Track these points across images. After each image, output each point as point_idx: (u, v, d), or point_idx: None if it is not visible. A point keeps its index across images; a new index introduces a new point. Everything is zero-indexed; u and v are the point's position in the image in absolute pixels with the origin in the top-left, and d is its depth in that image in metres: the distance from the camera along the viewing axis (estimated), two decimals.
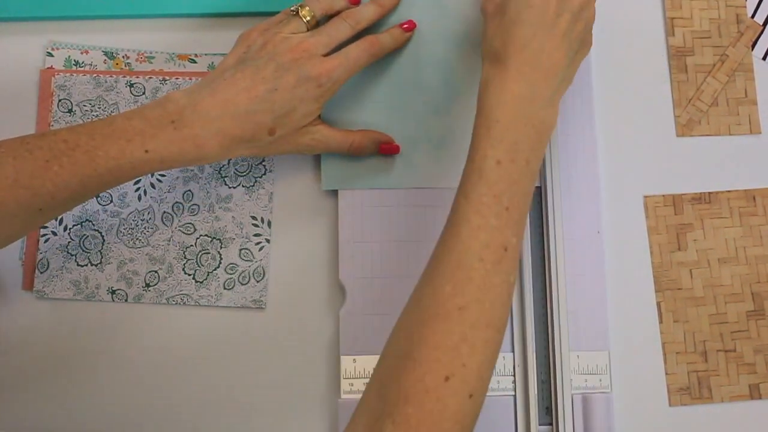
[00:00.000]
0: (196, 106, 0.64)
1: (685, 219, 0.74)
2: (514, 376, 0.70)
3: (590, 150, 0.73)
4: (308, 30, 0.68)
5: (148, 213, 0.74)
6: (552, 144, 0.72)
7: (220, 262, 0.73)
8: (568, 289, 0.71)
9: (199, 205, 0.74)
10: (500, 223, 0.58)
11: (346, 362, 0.70)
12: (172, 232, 0.73)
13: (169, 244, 0.73)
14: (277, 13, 0.70)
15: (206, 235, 0.73)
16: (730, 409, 0.72)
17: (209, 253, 0.73)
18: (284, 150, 0.68)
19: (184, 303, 0.72)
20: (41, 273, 0.73)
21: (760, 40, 0.76)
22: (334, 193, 0.73)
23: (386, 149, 0.72)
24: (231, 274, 0.73)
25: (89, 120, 0.74)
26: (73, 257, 0.73)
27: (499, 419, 0.70)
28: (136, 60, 0.76)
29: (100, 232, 0.73)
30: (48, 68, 0.75)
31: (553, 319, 0.70)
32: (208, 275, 0.73)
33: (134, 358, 0.72)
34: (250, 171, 0.74)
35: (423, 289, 0.58)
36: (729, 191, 0.74)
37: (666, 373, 0.72)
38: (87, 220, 0.73)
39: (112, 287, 0.73)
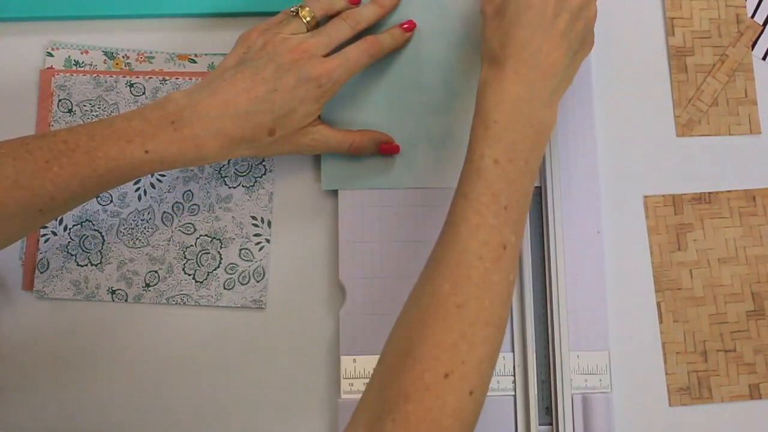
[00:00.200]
0: (196, 107, 0.64)
1: (685, 219, 0.74)
2: (514, 376, 0.70)
3: (590, 150, 0.73)
4: (308, 30, 0.68)
5: (148, 213, 0.74)
6: (552, 144, 0.72)
7: (220, 262, 0.73)
8: (568, 289, 0.71)
9: (199, 205, 0.74)
10: (499, 222, 0.59)
11: (346, 362, 0.70)
12: (172, 232, 0.73)
13: (169, 244, 0.73)
14: (277, 13, 0.70)
15: (206, 235, 0.73)
16: (730, 409, 0.72)
17: (209, 253, 0.73)
18: (284, 150, 0.68)
19: (184, 303, 0.72)
20: (41, 273, 0.73)
21: (760, 40, 0.76)
22: (334, 193, 0.73)
23: (386, 149, 0.72)
24: (231, 274, 0.73)
25: (89, 120, 0.74)
26: (73, 257, 0.73)
27: (499, 419, 0.70)
28: (136, 60, 0.76)
29: (100, 232, 0.73)
30: (48, 68, 0.75)
31: (553, 319, 0.70)
32: (208, 275, 0.73)
33: (134, 358, 0.72)
34: (250, 171, 0.74)
35: (422, 289, 0.58)
36: (729, 191, 0.74)
37: (666, 373, 0.72)
38: (87, 220, 0.73)
39: (112, 287, 0.73)
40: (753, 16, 0.77)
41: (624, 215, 0.74)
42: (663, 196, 0.74)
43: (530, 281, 0.71)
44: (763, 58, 0.76)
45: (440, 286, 0.57)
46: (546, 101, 0.62)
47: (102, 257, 0.73)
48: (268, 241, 0.73)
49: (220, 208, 0.74)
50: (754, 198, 0.74)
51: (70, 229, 0.73)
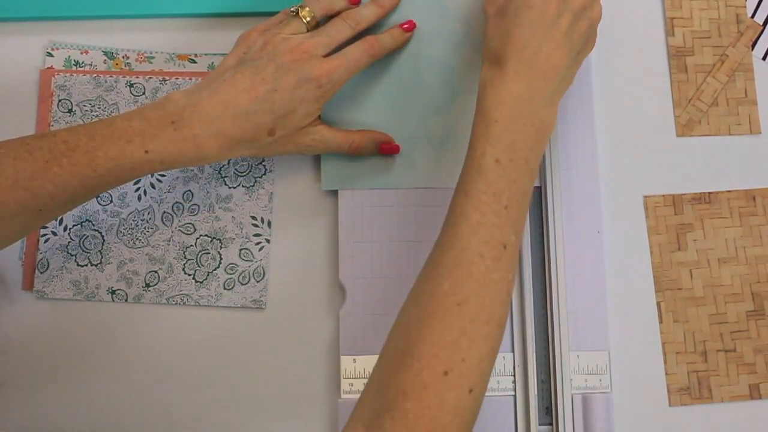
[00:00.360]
0: (196, 107, 0.64)
1: (685, 219, 0.74)
2: (514, 376, 0.70)
3: (590, 150, 0.73)
4: (308, 31, 0.68)
5: (148, 213, 0.74)
6: (552, 144, 0.72)
7: (220, 262, 0.73)
8: (568, 289, 0.71)
9: (199, 205, 0.74)
10: (500, 221, 0.59)
11: (346, 362, 0.70)
12: (172, 232, 0.73)
13: (169, 244, 0.73)
14: (277, 13, 0.70)
15: (206, 235, 0.73)
16: (730, 409, 0.72)
17: (209, 253, 0.73)
18: (284, 150, 0.68)
19: (184, 303, 0.72)
20: (41, 273, 0.73)
21: (760, 40, 0.76)
22: (334, 193, 0.73)
23: (386, 149, 0.72)
24: (231, 274, 0.73)
25: (89, 120, 0.74)
26: (73, 257, 0.73)
27: (499, 419, 0.70)
28: (136, 60, 0.76)
29: (100, 232, 0.73)
30: (48, 68, 0.75)
31: (553, 319, 0.70)
32: (208, 275, 0.73)
33: (134, 358, 0.72)
34: (250, 171, 0.74)
35: (421, 287, 0.58)
36: (729, 191, 0.74)
37: (666, 373, 0.72)
38: (87, 220, 0.73)
39: (112, 287, 0.73)
40: (753, 16, 0.77)
41: (624, 215, 0.74)
42: (663, 196, 0.74)
43: (530, 281, 0.71)
44: (763, 58, 0.76)
45: (439, 285, 0.57)
46: (547, 101, 0.62)
47: (102, 257, 0.73)
48: (268, 241, 0.73)
49: (220, 208, 0.74)
50: (754, 198, 0.74)
51: (70, 229, 0.73)
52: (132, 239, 0.73)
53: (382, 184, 0.72)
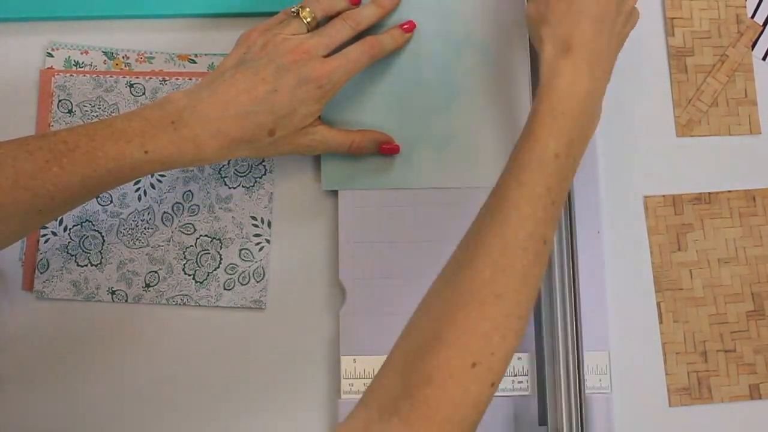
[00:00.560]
0: (196, 107, 0.64)
1: (685, 219, 0.74)
2: (515, 376, 0.70)
3: (590, 150, 0.73)
4: (308, 31, 0.68)
5: (148, 213, 0.74)
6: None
7: (220, 263, 0.73)
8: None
9: (199, 206, 0.74)
10: (546, 217, 0.58)
11: (346, 362, 0.70)
12: (172, 232, 0.73)
13: (169, 245, 0.73)
14: (277, 13, 0.70)
15: (206, 236, 0.73)
16: (730, 409, 0.72)
17: (209, 253, 0.73)
18: (284, 151, 0.68)
19: (184, 303, 0.72)
20: (41, 273, 0.73)
21: (760, 40, 0.76)
22: (334, 193, 0.73)
23: (386, 149, 0.72)
24: (231, 274, 0.73)
25: (89, 120, 0.74)
26: (73, 257, 0.73)
27: (499, 419, 0.70)
28: (136, 60, 0.76)
29: (100, 233, 0.73)
30: (48, 68, 0.75)
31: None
32: (208, 275, 0.73)
33: (134, 358, 0.72)
34: (250, 171, 0.74)
35: (458, 271, 0.56)
36: (729, 191, 0.74)
37: (666, 373, 0.72)
38: (87, 220, 0.73)
39: (112, 287, 0.73)
40: (753, 16, 0.77)
41: (624, 215, 0.74)
42: (663, 196, 0.74)
43: None
44: (763, 59, 0.76)
45: (480, 272, 0.55)
46: (600, 100, 0.62)
47: (102, 257, 0.73)
48: (268, 241, 0.73)
49: (220, 208, 0.74)
50: (754, 198, 0.74)
51: (70, 229, 0.73)
52: (132, 239, 0.73)
53: (382, 184, 0.72)
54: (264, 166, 0.74)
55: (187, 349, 0.72)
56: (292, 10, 0.69)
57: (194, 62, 0.76)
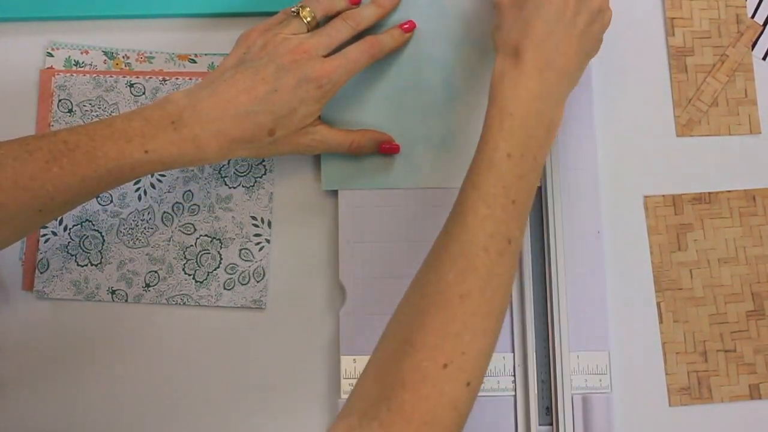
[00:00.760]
0: (196, 107, 0.64)
1: (685, 219, 0.74)
2: (514, 376, 0.70)
3: (590, 150, 0.73)
4: (308, 31, 0.68)
5: (148, 213, 0.74)
6: (552, 144, 0.72)
7: (220, 262, 0.73)
8: (568, 289, 0.71)
9: (199, 205, 0.74)
10: (506, 216, 0.59)
11: (346, 362, 0.70)
12: (172, 232, 0.73)
13: (169, 244, 0.73)
14: (277, 13, 0.70)
15: (206, 235, 0.73)
16: (730, 409, 0.72)
17: (209, 253, 0.73)
18: (284, 151, 0.68)
19: (184, 303, 0.72)
20: (41, 273, 0.73)
21: (760, 40, 0.76)
22: (334, 193, 0.73)
23: (386, 149, 0.72)
24: (231, 274, 0.73)
25: (89, 120, 0.74)
26: (73, 257, 0.73)
27: (499, 419, 0.70)
28: (136, 60, 0.76)
29: (100, 232, 0.73)
30: (48, 68, 0.75)
31: (553, 319, 0.70)
32: (208, 275, 0.73)
33: (134, 358, 0.72)
34: (250, 171, 0.74)
35: (425, 277, 0.58)
36: (729, 191, 0.74)
37: (666, 373, 0.72)
38: (87, 220, 0.73)
39: (112, 287, 0.73)
40: (753, 16, 0.77)
41: (624, 215, 0.74)
42: (663, 196, 0.74)
43: (530, 281, 0.71)
44: (763, 58, 0.76)
45: (444, 275, 0.57)
46: (558, 99, 0.62)
47: (102, 257, 0.73)
48: (268, 241, 0.73)
49: (220, 208, 0.74)
50: (754, 198, 0.74)
51: (70, 229, 0.73)
52: (132, 239, 0.73)
53: (382, 184, 0.72)
54: (264, 166, 0.74)
55: (187, 349, 0.72)
56: (292, 9, 0.69)
57: (194, 62, 0.76)
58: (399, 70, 0.73)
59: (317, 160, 0.74)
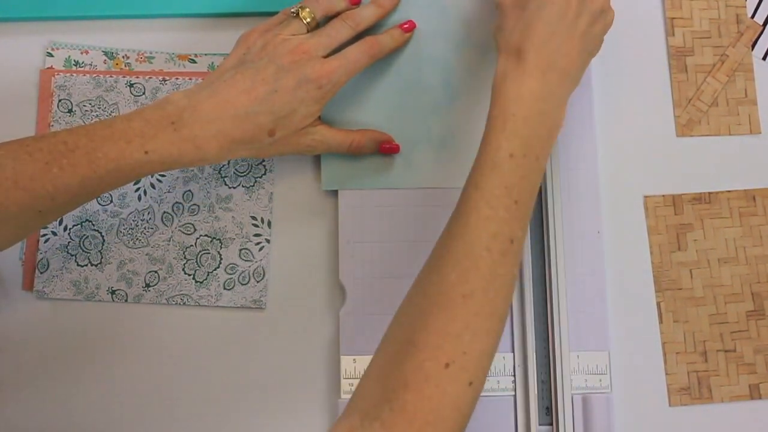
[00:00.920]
0: (196, 108, 0.64)
1: (685, 219, 0.74)
2: (514, 376, 0.70)
3: (590, 150, 0.73)
4: (308, 31, 0.68)
5: (148, 213, 0.74)
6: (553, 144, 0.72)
7: (220, 262, 0.73)
8: (568, 289, 0.71)
9: (199, 205, 0.74)
10: (509, 216, 0.59)
11: (346, 362, 0.70)
12: (172, 232, 0.73)
13: (169, 244, 0.73)
14: (277, 13, 0.70)
15: (206, 235, 0.73)
16: (730, 409, 0.72)
17: (209, 253, 0.73)
18: (284, 151, 0.68)
19: (184, 303, 0.73)
20: (41, 273, 0.73)
21: (760, 40, 0.76)
22: (334, 193, 0.73)
23: (386, 149, 0.72)
24: (231, 274, 0.73)
25: (89, 120, 0.74)
26: (73, 257, 0.73)
27: (499, 419, 0.70)
28: (136, 60, 0.76)
29: (100, 232, 0.73)
30: (48, 68, 0.75)
31: (553, 319, 0.70)
32: (208, 275, 0.73)
33: (134, 358, 0.72)
34: (250, 171, 0.74)
35: (427, 277, 0.58)
36: (729, 191, 0.74)
37: (666, 373, 0.72)
38: (87, 220, 0.73)
39: (112, 287, 0.73)
40: (753, 16, 0.77)
41: (624, 215, 0.74)
42: (663, 196, 0.74)
43: (530, 281, 0.71)
44: (763, 58, 0.76)
45: (446, 276, 0.57)
46: (560, 100, 0.63)
47: (102, 257, 0.73)
48: (268, 241, 0.73)
49: (220, 208, 0.74)
50: (754, 198, 0.74)
51: (70, 229, 0.73)
52: (132, 239, 0.73)
53: (382, 184, 0.72)
54: (264, 166, 0.74)
55: (187, 349, 0.72)
56: (292, 10, 0.69)
57: (194, 62, 0.76)
58: (399, 70, 0.73)
59: (317, 160, 0.74)
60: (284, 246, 0.74)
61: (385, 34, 0.71)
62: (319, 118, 0.69)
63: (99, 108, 0.74)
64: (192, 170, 0.74)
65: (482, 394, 0.57)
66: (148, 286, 0.73)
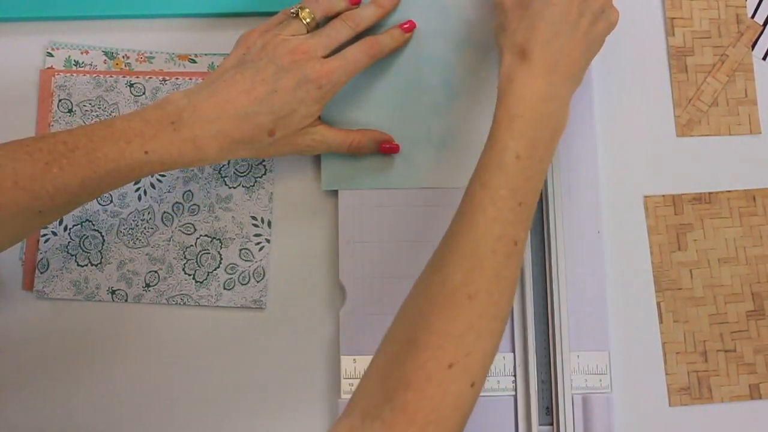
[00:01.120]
0: (196, 108, 0.64)
1: (685, 219, 0.74)
2: (515, 376, 0.70)
3: (590, 150, 0.73)
4: (308, 32, 0.68)
5: (148, 213, 0.74)
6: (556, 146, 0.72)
7: (220, 262, 0.73)
8: (568, 289, 0.71)
9: (199, 205, 0.74)
10: (514, 218, 0.59)
11: (346, 362, 0.70)
12: (172, 232, 0.73)
13: (169, 244, 0.73)
14: (277, 13, 0.70)
15: (206, 235, 0.73)
16: (730, 409, 0.72)
17: (209, 253, 0.73)
18: (284, 151, 0.68)
19: (184, 303, 0.73)
20: (41, 273, 0.73)
21: (760, 40, 0.76)
22: (334, 193, 0.73)
23: (386, 148, 0.72)
24: (231, 274, 0.73)
25: (89, 120, 0.74)
26: (73, 257, 0.73)
27: (500, 419, 0.70)
28: (136, 60, 0.76)
29: (100, 232, 0.73)
30: (48, 68, 0.75)
31: (554, 319, 0.70)
32: (208, 275, 0.73)
33: (134, 358, 0.72)
34: (250, 171, 0.74)
35: (430, 277, 0.58)
36: (729, 191, 0.74)
37: (666, 373, 0.72)
38: (87, 220, 0.73)
39: (112, 287, 0.73)
40: (753, 16, 0.77)
41: (624, 215, 0.74)
42: (663, 196, 0.74)
43: (530, 281, 0.71)
44: (763, 58, 0.76)
45: (451, 276, 0.57)
46: (564, 100, 0.63)
47: (102, 257, 0.73)
48: (268, 241, 0.73)
49: (220, 208, 0.74)
50: (754, 198, 0.74)
51: (70, 229, 0.73)
52: (132, 239, 0.73)
53: (382, 184, 0.72)
54: (264, 166, 0.74)
55: (187, 349, 0.72)
56: (292, 10, 0.69)
57: (194, 62, 0.76)
58: (399, 70, 0.73)
59: (317, 160, 0.74)
60: (284, 246, 0.74)
61: (385, 34, 0.71)
62: (319, 118, 0.69)
63: (99, 108, 0.75)
64: (192, 170, 0.74)
65: (482, 394, 0.57)
66: (148, 286, 0.73)
